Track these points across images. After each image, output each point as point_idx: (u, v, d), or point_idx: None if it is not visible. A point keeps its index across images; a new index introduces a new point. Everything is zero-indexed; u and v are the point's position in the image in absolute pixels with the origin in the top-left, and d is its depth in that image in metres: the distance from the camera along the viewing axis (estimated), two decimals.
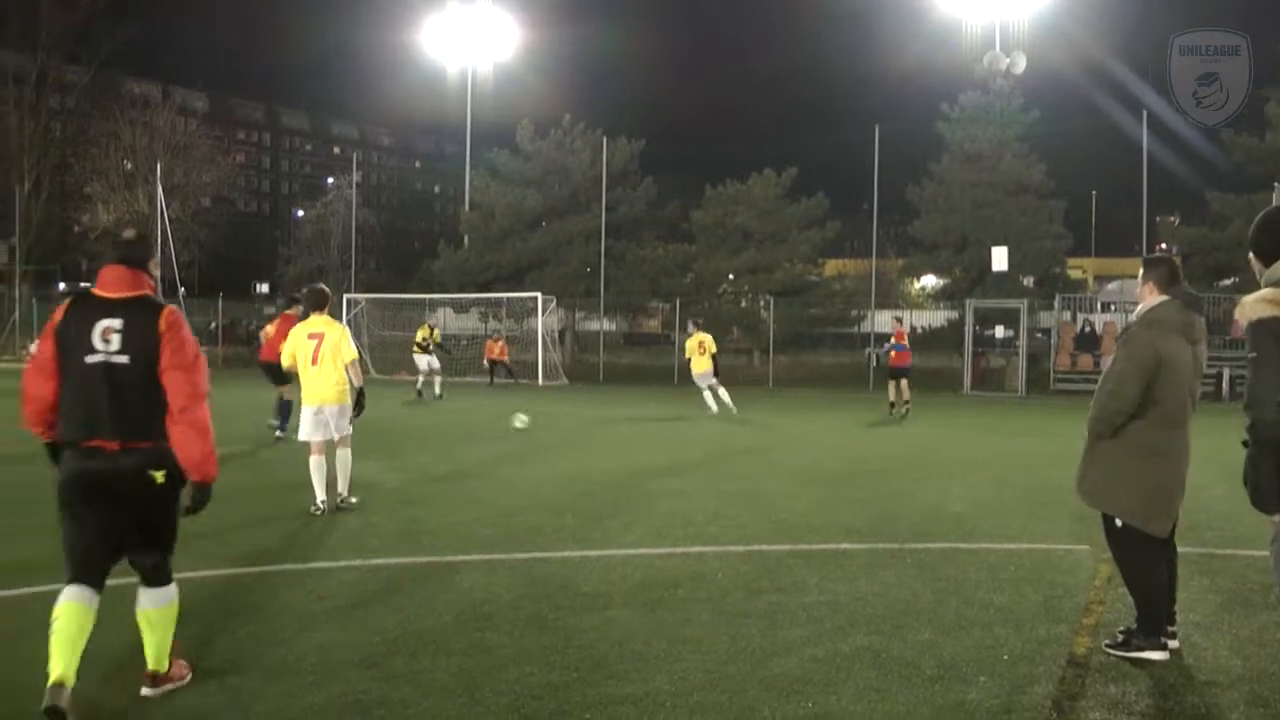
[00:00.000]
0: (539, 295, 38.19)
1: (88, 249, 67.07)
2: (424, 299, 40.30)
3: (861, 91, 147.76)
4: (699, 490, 12.36)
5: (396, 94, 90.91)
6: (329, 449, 10.97)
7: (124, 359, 5.13)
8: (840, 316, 44.91)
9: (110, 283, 5.28)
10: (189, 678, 5.58)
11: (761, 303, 43.50)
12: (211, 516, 5.81)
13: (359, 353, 11.37)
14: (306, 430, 10.97)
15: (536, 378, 36.48)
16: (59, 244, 73.08)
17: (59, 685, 4.82)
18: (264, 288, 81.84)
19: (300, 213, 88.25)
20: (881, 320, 40.24)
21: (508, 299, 41.98)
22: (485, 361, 36.00)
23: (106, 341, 5.14)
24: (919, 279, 53.83)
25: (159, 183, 50.70)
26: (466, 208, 53.54)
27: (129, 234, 5.52)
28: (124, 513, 5.16)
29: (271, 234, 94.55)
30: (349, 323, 39.62)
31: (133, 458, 5.12)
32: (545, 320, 38.44)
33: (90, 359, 5.13)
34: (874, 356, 35.51)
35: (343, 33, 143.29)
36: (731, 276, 46.48)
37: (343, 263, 61.24)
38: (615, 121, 52.35)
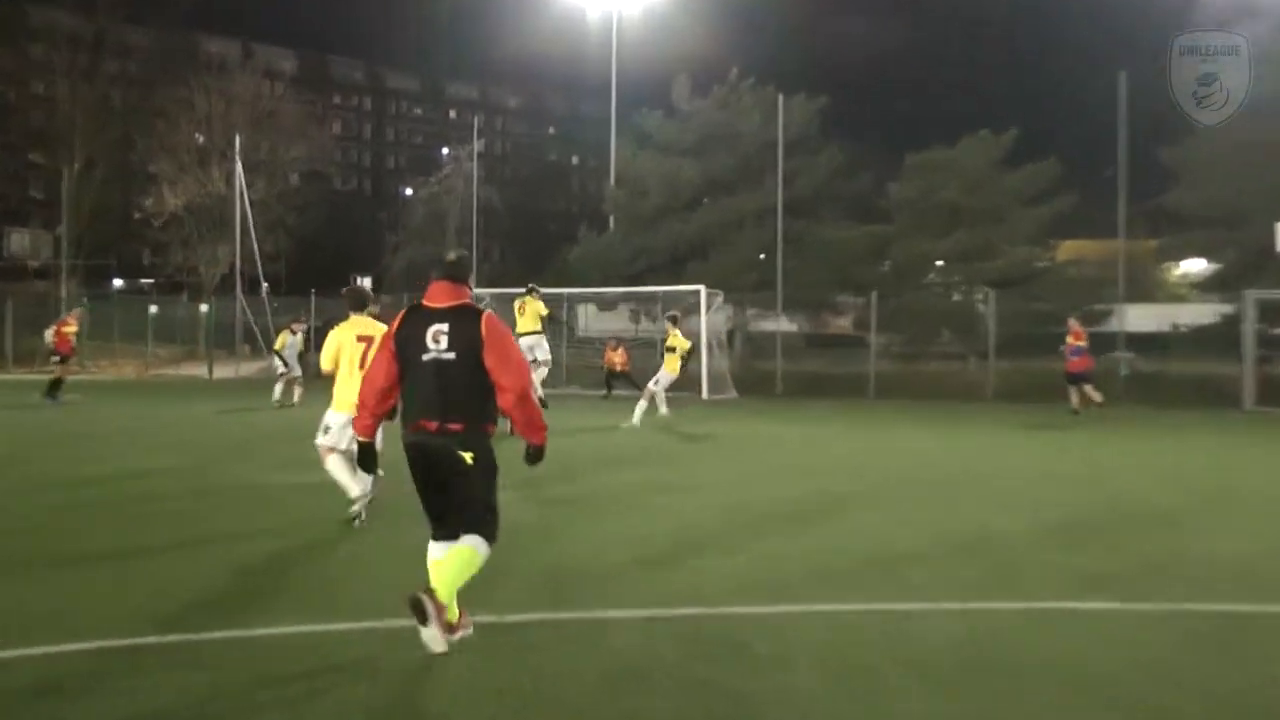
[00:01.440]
0: (701, 289, 38.24)
1: (152, 239, 69.04)
2: (562, 294, 40.64)
3: (1101, 27, 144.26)
4: (898, 528, 12.33)
5: (525, 47, 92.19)
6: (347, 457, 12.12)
7: (450, 355, 7.68)
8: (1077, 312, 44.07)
9: (437, 295, 7.87)
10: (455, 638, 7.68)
11: (978, 296, 42.98)
12: (307, 564, 6.09)
13: None
14: (334, 437, 12.33)
15: (700, 390, 36.56)
16: (116, 233, 75.26)
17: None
18: (366, 283, 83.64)
19: (410, 191, 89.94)
20: (1136, 316, 39.42)
21: (663, 293, 42.05)
22: (604, 371, 36.68)
23: (437, 342, 7.69)
24: (1179, 264, 52.60)
25: (239, 159, 52.10)
26: (612, 183, 54.04)
27: (452, 256, 8.12)
28: (444, 478, 7.76)
29: (375, 217, 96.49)
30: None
31: (448, 435, 7.66)
32: (709, 319, 38.44)
33: (425, 357, 7.70)
34: (1123, 363, 34.87)
35: None
36: (939, 263, 46.06)
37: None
38: (792, 75, 52.53)
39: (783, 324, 46.47)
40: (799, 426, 26.73)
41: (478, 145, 61.76)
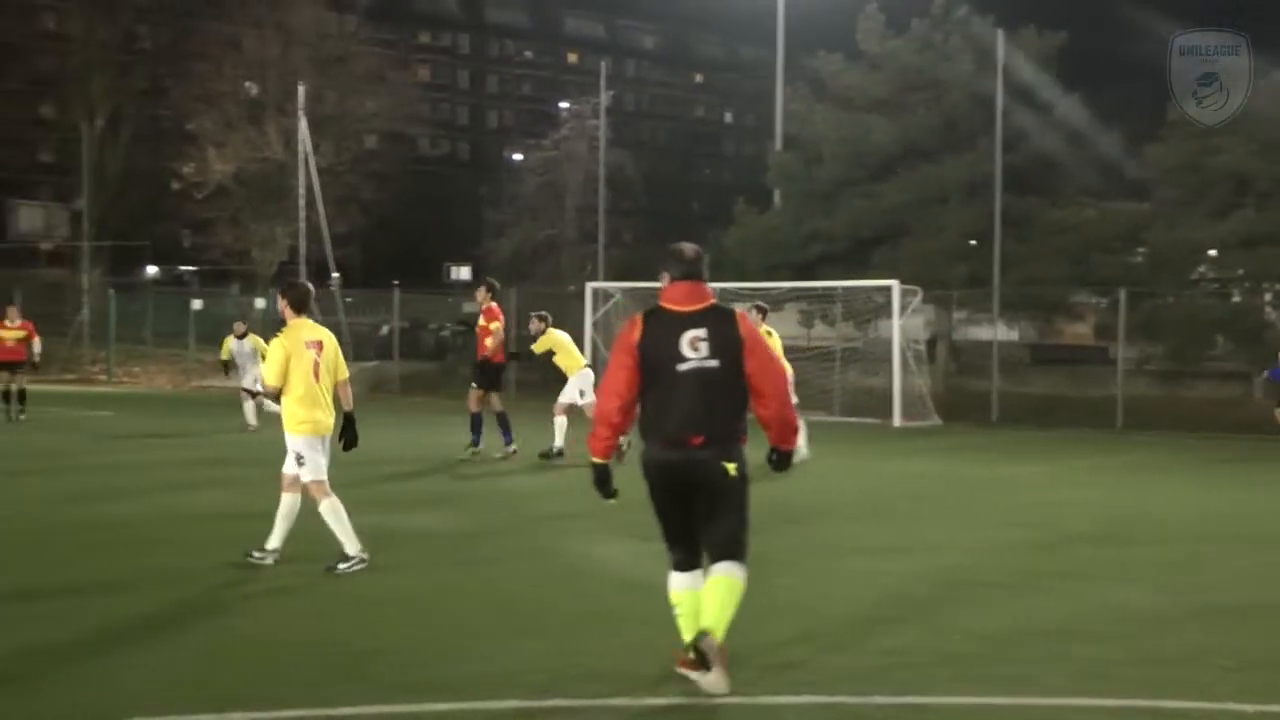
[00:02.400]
0: (894, 284, 38.02)
1: (194, 216, 69.77)
2: (714, 290, 40.56)
3: None
4: (1170, 606, 12.12)
5: None
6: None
7: (713, 363, 8.64)
8: None
9: (682, 297, 8.88)
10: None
11: (1266, 297, 42.26)
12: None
13: None
14: (318, 466, 13.14)
15: (891, 415, 36.32)
16: (148, 209, 76.22)
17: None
18: (463, 272, 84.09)
19: (518, 156, 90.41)
20: None
21: (844, 290, 41.80)
22: None
23: (695, 349, 8.62)
24: None
25: (301, 114, 52.62)
26: (777, 145, 53.79)
27: (690, 251, 9.10)
28: (705, 497, 8.74)
29: (475, 190, 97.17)
30: (595, 325, 40.41)
31: (713, 450, 8.66)
32: (905, 324, 38.19)
33: (680, 367, 8.62)
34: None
35: None
36: (1213, 253, 45.28)
37: (584, 232, 62.27)
38: (1016, 5, 51.79)
39: (1000, 331, 45.94)
40: (1022, 466, 26.44)
41: (605, 98, 61.78)
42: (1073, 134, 47.39)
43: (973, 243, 45.77)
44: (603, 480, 9.11)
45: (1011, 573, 13.67)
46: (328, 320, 49.43)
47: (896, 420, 36.26)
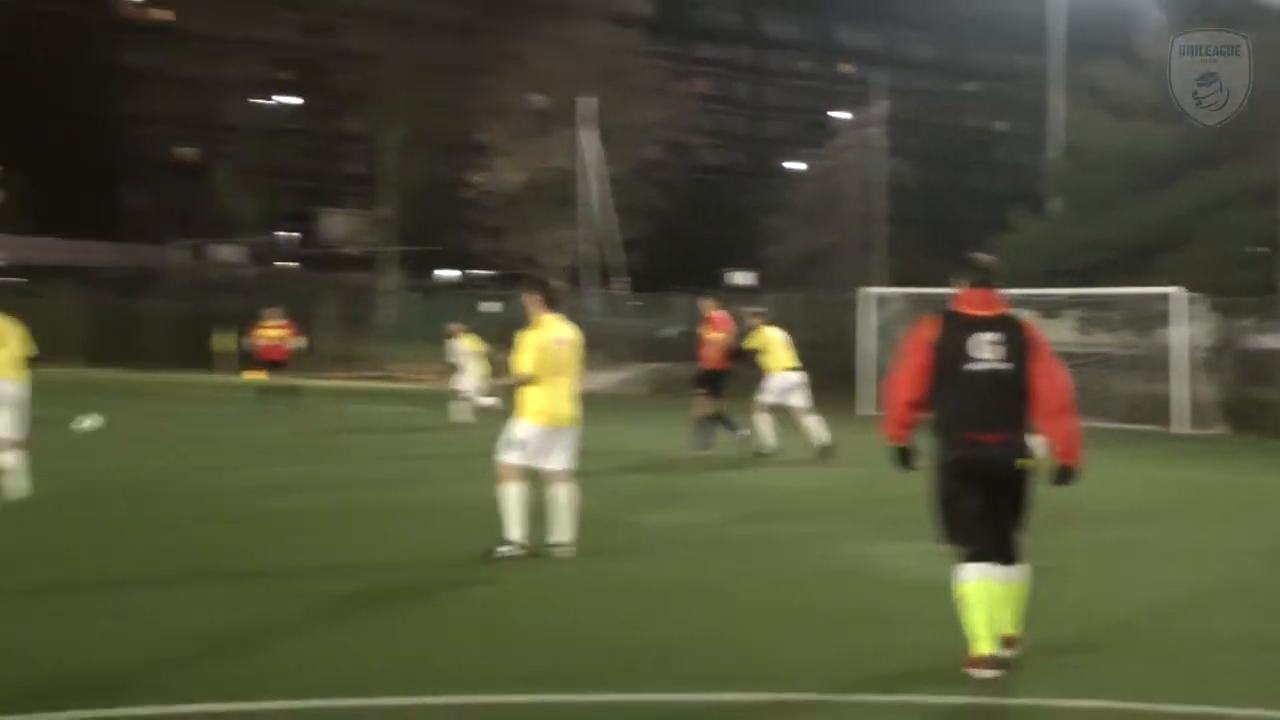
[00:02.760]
0: (1175, 291, 37.35)
1: (484, 222, 70.97)
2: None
3: None
4: None
5: None
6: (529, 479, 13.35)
7: (1007, 366, 9.06)
8: None
9: (978, 303, 9.29)
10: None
11: None
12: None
13: None
14: (519, 451, 13.25)
15: (1167, 421, 35.57)
16: (443, 216, 77.90)
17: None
18: (746, 277, 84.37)
19: (796, 165, 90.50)
20: None
21: (1122, 297, 41.17)
22: None
23: (989, 351, 9.06)
24: None
25: (586, 125, 53.06)
26: (1053, 154, 53.17)
27: (984, 260, 9.68)
28: (997, 494, 9.12)
29: (755, 198, 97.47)
30: (879, 331, 40.14)
31: (1008, 449, 9.09)
32: (1189, 332, 37.46)
33: (973, 368, 9.06)
34: None
35: None
36: None
37: (862, 240, 62.15)
38: None
39: None
40: None
41: (882, 108, 61.58)
42: None
43: (1260, 249, 44.70)
44: (903, 457, 9.62)
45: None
46: (613, 322, 50.15)
47: (1179, 428, 35.47)
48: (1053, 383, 9.10)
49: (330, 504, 17.63)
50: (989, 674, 8.91)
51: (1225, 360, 41.96)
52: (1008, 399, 9.07)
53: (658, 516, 16.83)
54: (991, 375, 9.04)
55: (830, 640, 10.27)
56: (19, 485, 16.12)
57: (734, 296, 70.52)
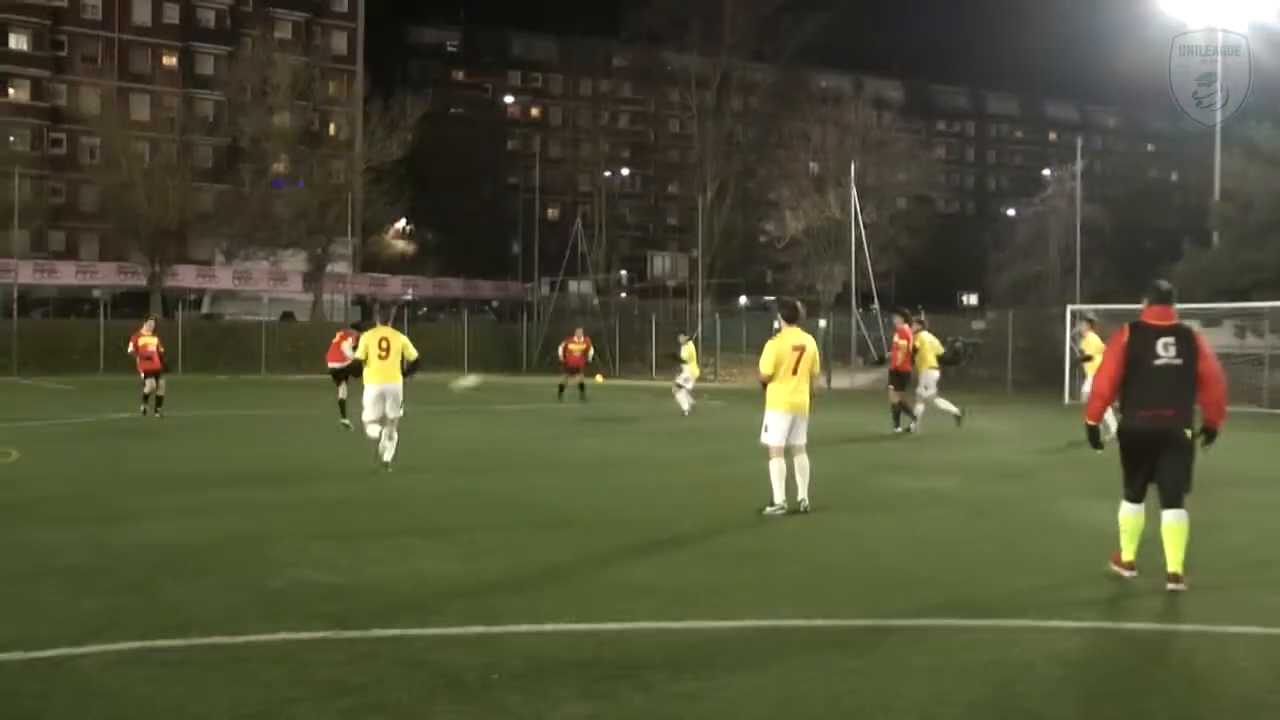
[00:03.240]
0: None
1: (774, 260, 71.24)
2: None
3: None
4: None
5: (1124, 65, 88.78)
6: (788, 455, 13.15)
7: (1179, 361, 9.57)
8: None
9: (1157, 315, 9.79)
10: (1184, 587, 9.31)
11: None
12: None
13: None
14: (776, 435, 13.12)
15: None
16: (742, 255, 78.36)
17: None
18: (972, 299, 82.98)
19: (1013, 212, 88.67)
20: None
21: (1271, 309, 39.55)
22: None
23: (1166, 350, 9.59)
24: None
25: (853, 185, 52.84)
26: (1216, 197, 51.35)
27: (1165, 286, 10.06)
28: (1165, 455, 9.56)
29: (979, 237, 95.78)
30: (1072, 339, 39.34)
31: (1176, 423, 9.56)
32: None
33: (1156, 363, 9.60)
34: None
35: None
36: None
37: (1064, 268, 60.70)
38: None
39: None
40: None
41: (1079, 165, 60.11)
42: None
43: None
44: (1093, 435, 10.34)
45: None
46: (873, 334, 49.83)
47: None
48: (1212, 374, 9.70)
49: (656, 478, 17.84)
50: (1128, 574, 9.81)
51: None
52: (1179, 385, 9.62)
53: (899, 481, 16.71)
54: (1168, 368, 9.61)
55: (1056, 576, 10.12)
56: (394, 454, 16.90)
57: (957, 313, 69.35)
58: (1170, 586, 9.38)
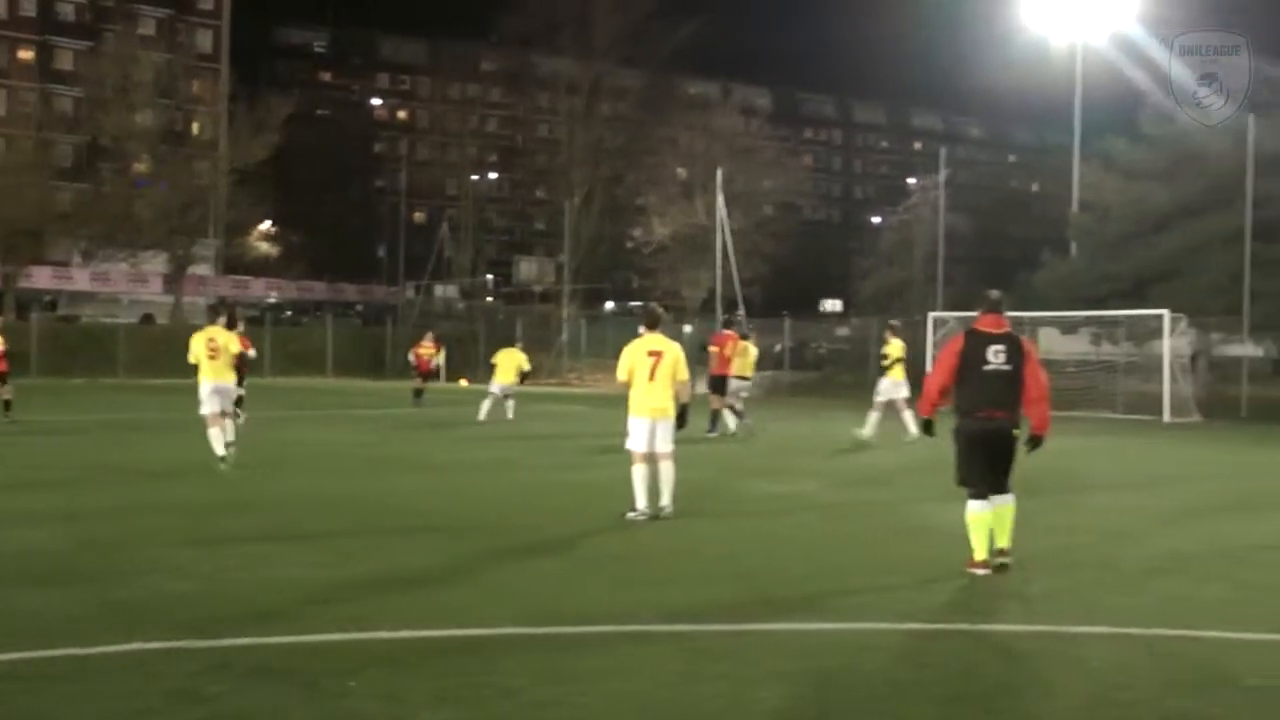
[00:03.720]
0: (1165, 313, 36.66)
1: (641, 265, 71.49)
2: (1023, 317, 39.73)
3: None
4: None
5: (987, 77, 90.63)
6: (651, 461, 13.08)
7: (1008, 367, 10.23)
8: None
9: (990, 324, 10.45)
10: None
11: None
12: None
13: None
14: (635, 440, 13.11)
15: (1161, 413, 35.07)
16: (609, 261, 78.52)
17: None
18: (836, 305, 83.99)
19: (878, 220, 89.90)
20: None
21: (1126, 318, 40.56)
22: None
23: (997, 357, 10.22)
24: None
25: (719, 191, 53.20)
26: (1074, 208, 52.56)
27: (995, 295, 10.63)
28: (996, 452, 10.32)
29: (845, 244, 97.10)
30: (935, 344, 39.97)
31: (1005, 423, 10.27)
32: (1173, 343, 36.87)
33: (986, 368, 10.23)
34: None
35: (921, 9, 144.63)
36: None
37: (927, 275, 61.65)
38: (1264, 93, 49.44)
39: (1249, 349, 43.92)
40: (1266, 453, 25.23)
41: (943, 174, 61.12)
42: None
43: (1229, 281, 43.89)
44: (928, 427, 11.12)
45: (1269, 534, 13.07)
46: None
47: (1165, 417, 34.88)
48: (1036, 381, 10.38)
49: (517, 479, 17.85)
50: (983, 572, 10.17)
51: (1200, 365, 41.37)
52: (1007, 389, 10.29)
53: (762, 486, 16.88)
54: (997, 373, 10.26)
55: (913, 579, 10.25)
56: (230, 452, 17.37)
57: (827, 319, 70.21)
58: (997, 560, 10.27)
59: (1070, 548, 11.78)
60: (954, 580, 10.13)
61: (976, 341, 10.43)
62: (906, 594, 9.63)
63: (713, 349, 26.23)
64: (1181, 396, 36.33)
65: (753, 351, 27.26)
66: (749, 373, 26.78)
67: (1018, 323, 38.32)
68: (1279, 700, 6.87)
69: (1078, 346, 45.97)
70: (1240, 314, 41.33)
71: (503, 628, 8.15)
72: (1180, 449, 25.46)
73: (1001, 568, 10.25)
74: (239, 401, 25.00)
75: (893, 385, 25.04)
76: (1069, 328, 45.32)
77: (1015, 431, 10.41)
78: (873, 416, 24.79)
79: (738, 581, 10.01)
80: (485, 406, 29.65)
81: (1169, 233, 45.41)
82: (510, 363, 31.27)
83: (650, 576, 10.14)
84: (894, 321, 27.42)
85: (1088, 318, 43.24)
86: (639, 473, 13.11)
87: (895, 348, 25.25)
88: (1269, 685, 7.10)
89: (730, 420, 25.36)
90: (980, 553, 10.26)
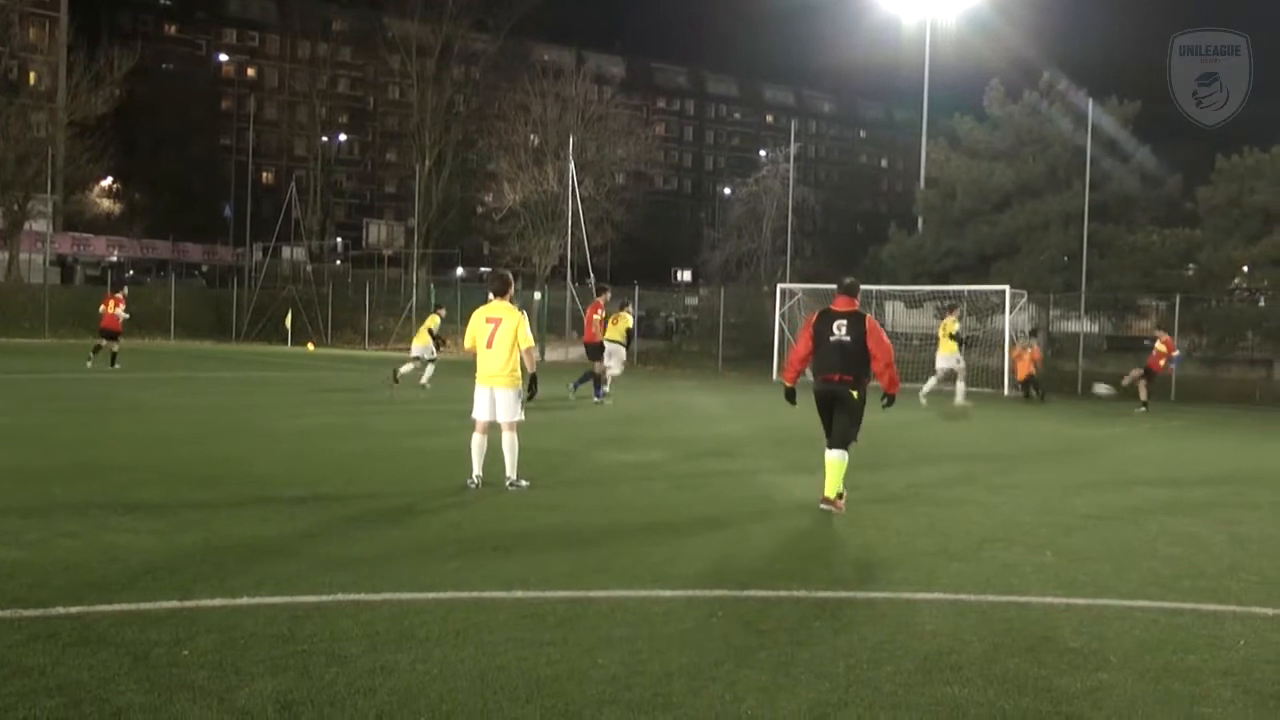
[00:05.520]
0: (1007, 289, 37.46)
1: (491, 231, 71.07)
2: (870, 290, 40.32)
3: None
4: (1211, 533, 11.81)
5: (839, 53, 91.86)
6: (494, 431, 13.09)
7: (848, 339, 12.25)
8: None
9: (840, 303, 12.56)
10: (843, 511, 12.01)
11: None
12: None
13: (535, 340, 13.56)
14: (476, 409, 13.14)
15: (1003, 386, 35.85)
16: (459, 226, 77.99)
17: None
18: (686, 275, 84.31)
19: (728, 191, 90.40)
20: None
21: (969, 292, 41.32)
22: (1020, 377, 34.62)
23: (840, 330, 12.28)
24: None
25: (571, 158, 53.11)
26: (921, 185, 53.41)
27: (848, 281, 12.80)
28: (836, 410, 12.30)
29: (695, 214, 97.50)
30: (781, 317, 40.41)
31: (846, 385, 12.20)
32: (1013, 319, 37.70)
33: (831, 339, 12.30)
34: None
35: None
36: (1246, 269, 44.12)
37: (776, 248, 62.22)
38: (1104, 79, 50.81)
39: (1085, 325, 45.12)
40: (1100, 428, 25.87)
41: (793, 148, 61.67)
42: (1145, 177, 46.40)
43: (1066, 259, 45.00)
44: (790, 395, 13.13)
45: (1094, 505, 13.40)
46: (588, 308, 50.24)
47: (1006, 391, 35.65)
48: (880, 350, 12.29)
49: (358, 446, 17.66)
50: (832, 509, 12.04)
51: (1039, 340, 42.35)
52: (849, 357, 12.30)
53: (612, 455, 16.91)
54: (839, 344, 12.33)
55: (756, 548, 10.34)
56: None
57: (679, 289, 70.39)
58: (822, 506, 12.12)
59: (914, 522, 11.97)
60: (794, 549, 10.26)
61: (826, 318, 12.58)
62: (747, 561, 9.70)
63: (595, 316, 27.13)
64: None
65: (625, 319, 27.88)
66: (621, 338, 27.67)
67: (865, 295, 39.39)
68: (1097, 659, 7.04)
69: (922, 320, 46.70)
70: (1079, 291, 42.44)
71: (338, 594, 8.05)
72: (1018, 422, 26.04)
73: (824, 513, 11.97)
74: (113, 359, 24.80)
75: (949, 358, 28.59)
76: (913, 302, 46.10)
77: (855, 394, 12.23)
78: (959, 387, 28.58)
79: (580, 549, 9.99)
80: (428, 372, 30.39)
81: (1011, 211, 46.57)
82: (428, 326, 31.69)
83: (490, 544, 10.05)
84: (952, 303, 29.72)
85: (932, 292, 44.01)
86: (475, 441, 13.07)
87: (952, 324, 29.00)
88: (1087, 647, 7.30)
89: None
90: (830, 491, 12.15)
